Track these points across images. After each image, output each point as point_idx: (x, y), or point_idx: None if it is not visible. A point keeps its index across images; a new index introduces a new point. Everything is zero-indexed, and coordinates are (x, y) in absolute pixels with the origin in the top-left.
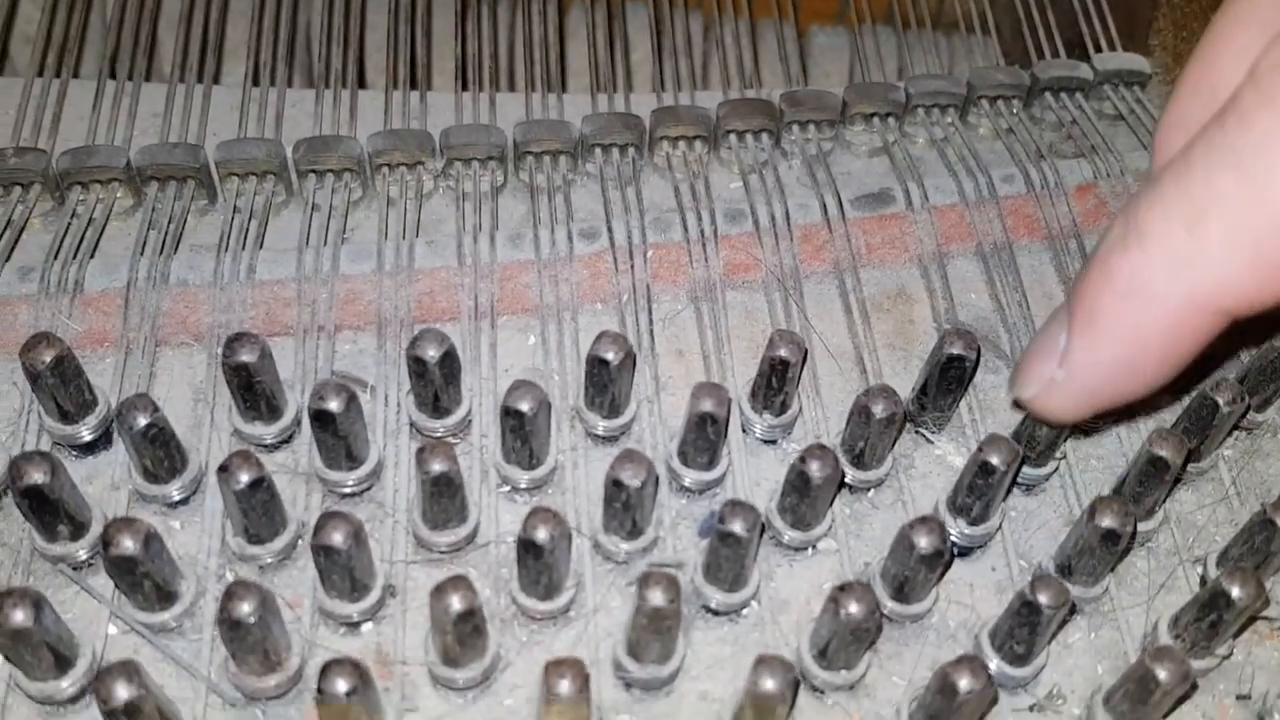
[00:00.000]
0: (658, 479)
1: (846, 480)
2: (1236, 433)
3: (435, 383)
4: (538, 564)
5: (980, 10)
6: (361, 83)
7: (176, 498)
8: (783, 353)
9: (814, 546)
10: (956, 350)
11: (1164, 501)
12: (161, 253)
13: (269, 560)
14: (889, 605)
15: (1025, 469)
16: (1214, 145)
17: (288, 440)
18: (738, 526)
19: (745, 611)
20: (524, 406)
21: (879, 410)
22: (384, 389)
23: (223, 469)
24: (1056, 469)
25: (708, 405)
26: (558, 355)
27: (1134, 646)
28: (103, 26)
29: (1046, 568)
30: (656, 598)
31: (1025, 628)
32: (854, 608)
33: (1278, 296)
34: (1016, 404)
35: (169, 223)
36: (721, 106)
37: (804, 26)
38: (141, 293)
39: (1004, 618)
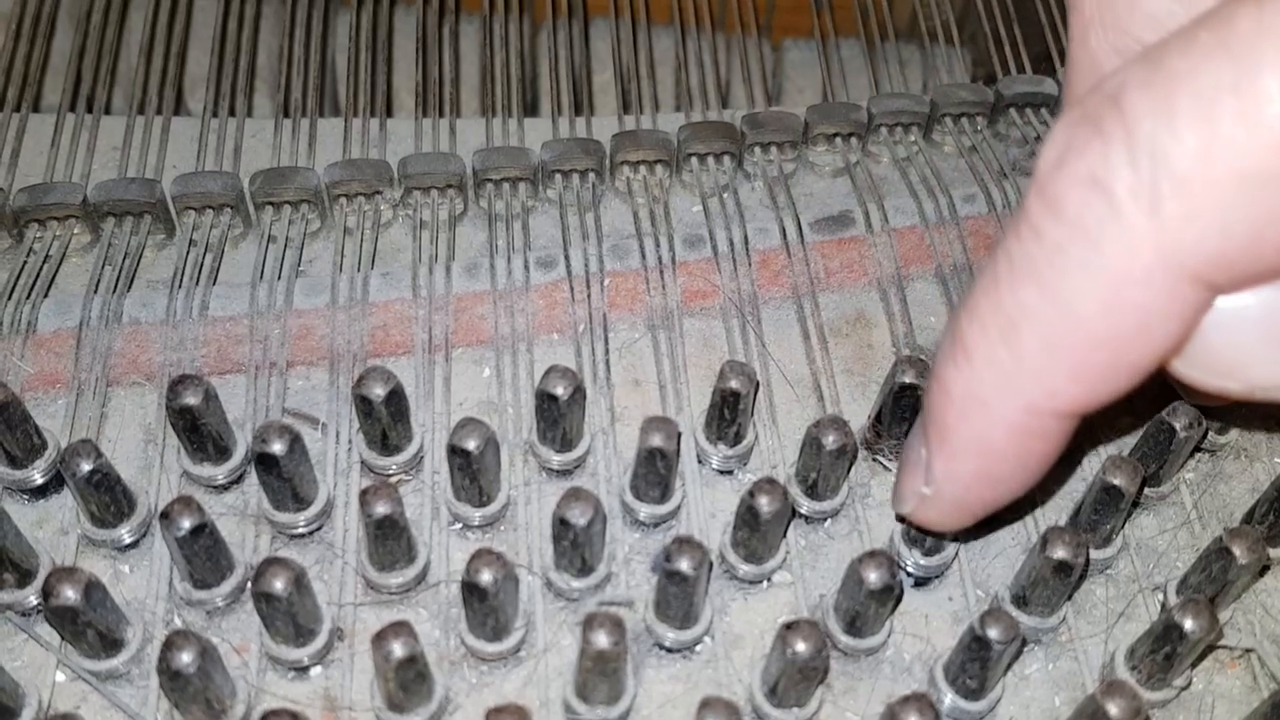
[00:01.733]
0: (605, 517)
1: (801, 511)
2: (1199, 455)
3: (383, 421)
4: (483, 606)
5: (945, 24)
6: (322, 110)
7: (126, 541)
8: (733, 384)
9: (769, 579)
10: (909, 379)
11: (1122, 528)
12: (115, 290)
13: (217, 604)
14: (842, 639)
15: None
16: (1014, 257)
17: (238, 480)
18: (685, 565)
19: (698, 648)
20: (470, 445)
21: (829, 442)
22: (335, 426)
23: (164, 515)
24: None
25: (656, 440)
26: (512, 388)
27: (1092, 677)
28: (63, 59)
29: (1003, 598)
30: (600, 640)
31: (976, 662)
32: (801, 645)
33: (1113, 394)
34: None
35: (125, 259)
36: (683, 130)
37: (777, 41)
38: (94, 332)
39: (956, 652)
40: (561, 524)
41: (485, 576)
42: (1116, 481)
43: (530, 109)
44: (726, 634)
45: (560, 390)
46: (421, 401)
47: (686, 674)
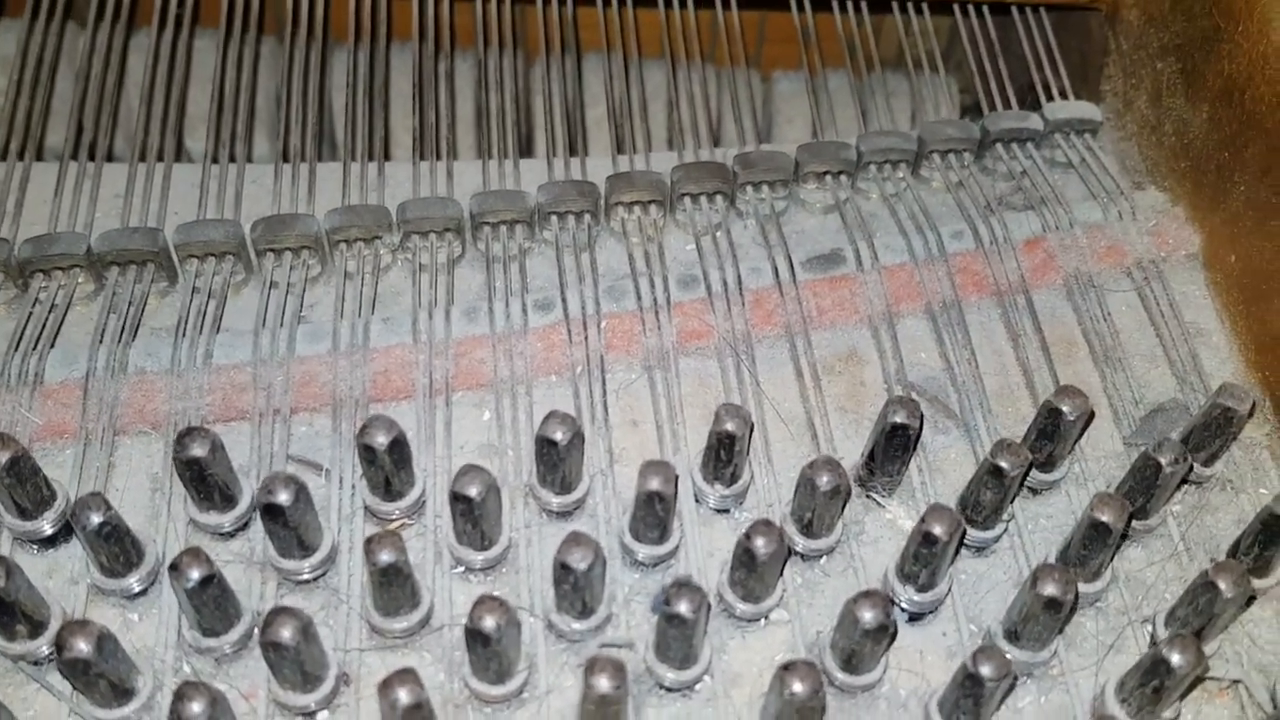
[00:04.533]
0: (604, 560)
1: (797, 549)
2: (1185, 487)
3: (386, 468)
4: (486, 651)
5: (930, 55)
6: (321, 152)
7: (135, 590)
8: (729, 427)
9: (766, 618)
10: (900, 419)
11: (1110, 562)
12: (120, 340)
13: (225, 651)
14: (839, 677)
15: (973, 532)
16: None
17: (244, 528)
18: (684, 607)
19: (698, 687)
20: (472, 492)
21: (823, 482)
22: (339, 472)
23: (173, 567)
24: (1005, 530)
25: (654, 484)
26: (512, 431)
27: (1083, 710)
28: (65, 106)
29: (995, 633)
30: (603, 684)
31: (970, 699)
32: (798, 686)
33: None
34: None
35: (129, 307)
36: (675, 170)
37: (766, 72)
38: (100, 382)
39: (950, 688)
40: (562, 568)
41: (488, 622)
42: (1104, 518)
43: (525, 145)
44: (725, 672)
45: (560, 435)
46: (423, 446)
47: (687, 713)
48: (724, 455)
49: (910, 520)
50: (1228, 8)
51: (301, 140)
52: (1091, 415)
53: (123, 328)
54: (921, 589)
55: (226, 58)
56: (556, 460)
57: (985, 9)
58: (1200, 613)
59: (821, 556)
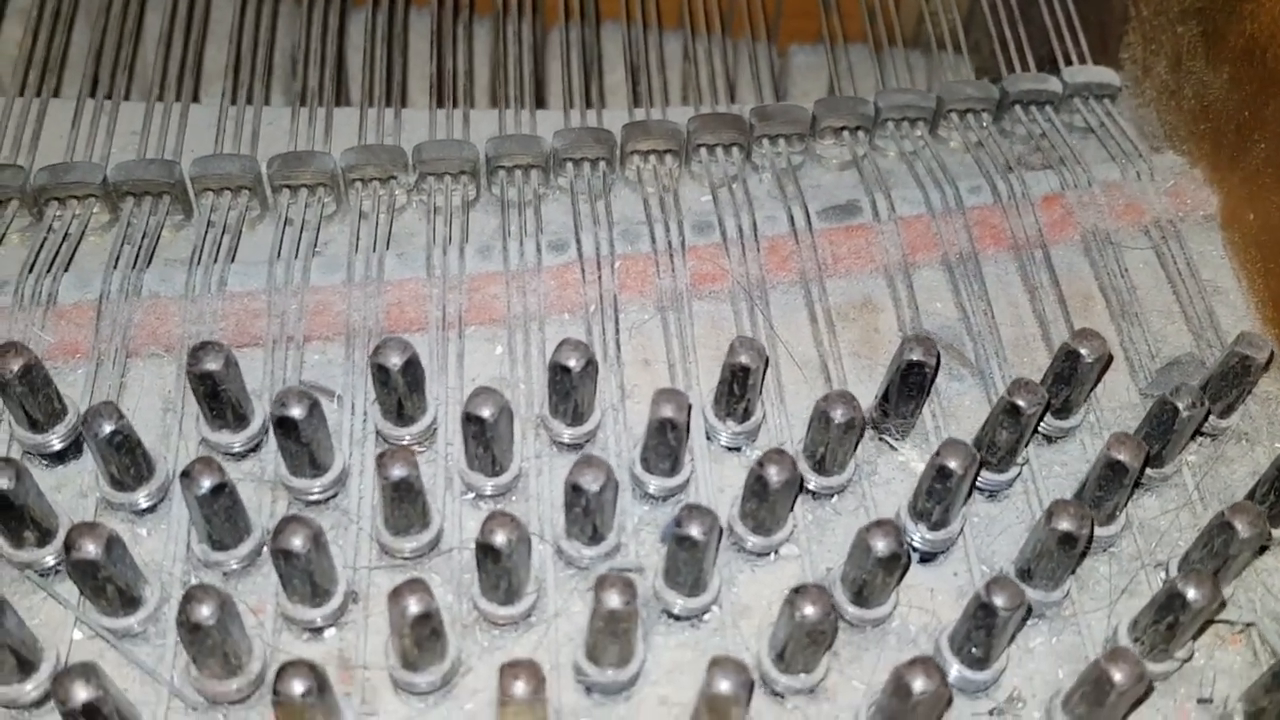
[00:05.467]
0: (617, 484)
1: (809, 486)
2: (1200, 438)
3: (399, 390)
4: (496, 568)
5: (952, 28)
6: (339, 100)
7: (143, 505)
8: (743, 359)
9: (776, 552)
10: (916, 357)
11: (1125, 506)
12: (135, 266)
13: (233, 566)
14: (849, 610)
15: (987, 474)
16: None
17: (255, 449)
18: (695, 530)
19: (706, 616)
20: (485, 413)
21: (838, 415)
22: (350, 398)
23: (185, 474)
24: (1019, 474)
25: (668, 411)
26: (524, 364)
27: (1095, 650)
28: (85, 46)
29: (1008, 572)
30: (613, 600)
31: (982, 630)
32: (809, 609)
33: None
34: None
35: (143, 237)
36: (692, 121)
37: (783, 45)
38: (114, 305)
39: (962, 621)
40: (574, 490)
41: (499, 538)
42: (1121, 457)
43: (540, 107)
44: (734, 604)
45: (573, 362)
46: (435, 376)
47: (695, 641)
48: (737, 389)
49: (922, 463)
50: None
51: (319, 85)
52: (1109, 359)
53: (137, 255)
54: (934, 526)
55: (246, 8)
56: (569, 389)
57: None
58: (1216, 554)
59: (833, 495)
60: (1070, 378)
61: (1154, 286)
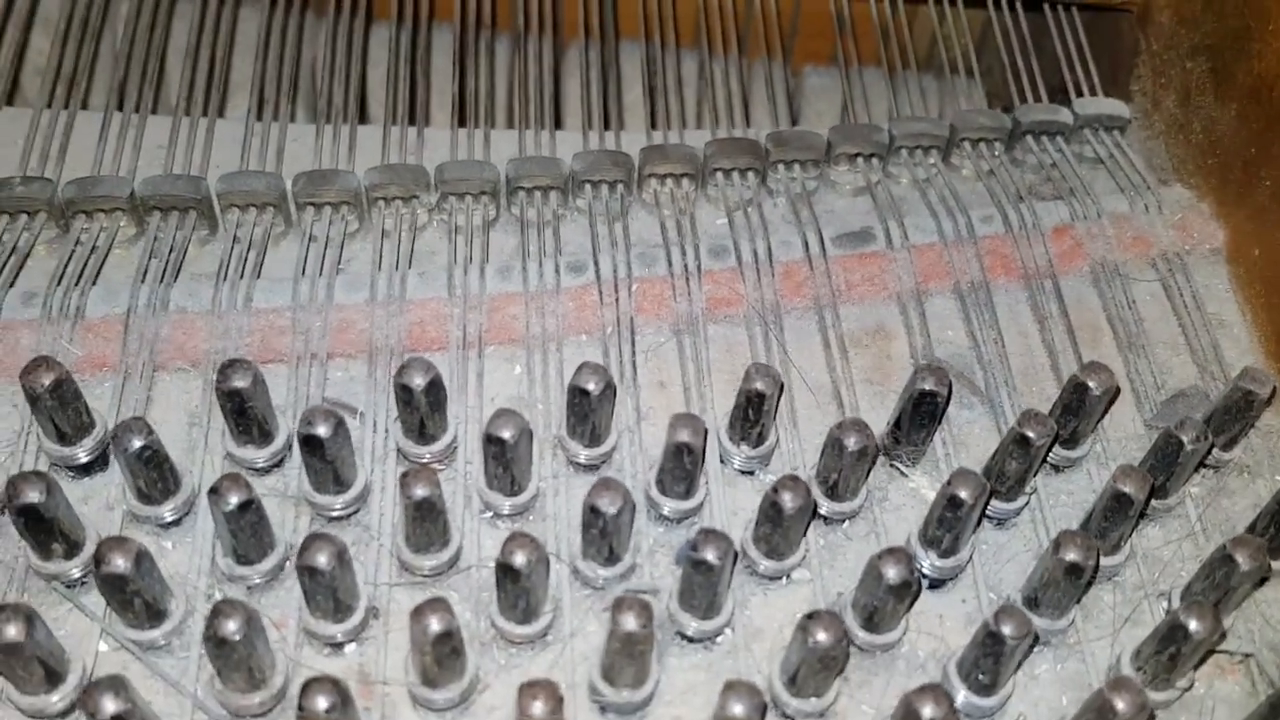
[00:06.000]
0: (634, 506)
1: (821, 511)
2: (1204, 470)
3: (421, 410)
4: (515, 588)
5: (966, 55)
6: (363, 118)
7: (169, 519)
8: (758, 385)
9: (788, 576)
10: (929, 386)
11: (1130, 537)
12: (162, 280)
13: (257, 581)
14: (859, 635)
15: (996, 503)
16: None
17: (279, 464)
18: (710, 554)
19: (719, 639)
20: (506, 434)
21: (851, 443)
22: (373, 415)
23: (213, 490)
24: (1027, 503)
25: (684, 435)
26: (542, 385)
27: (1099, 678)
28: (112, 59)
29: (1015, 600)
30: (629, 622)
31: (990, 658)
32: (822, 635)
33: None
34: None
35: (170, 251)
36: (709, 145)
37: (798, 67)
38: (141, 319)
39: (970, 648)
40: (592, 511)
41: (519, 558)
42: (1127, 489)
43: (559, 125)
44: (747, 627)
45: (592, 385)
46: (455, 395)
47: (708, 663)
48: (752, 415)
49: (933, 490)
50: (1259, 7)
51: (344, 103)
52: (1117, 392)
53: (164, 270)
54: (944, 554)
55: (271, 26)
56: (587, 411)
57: (1018, 4)
58: (1217, 586)
59: (845, 520)
60: (1078, 409)
61: (1160, 319)
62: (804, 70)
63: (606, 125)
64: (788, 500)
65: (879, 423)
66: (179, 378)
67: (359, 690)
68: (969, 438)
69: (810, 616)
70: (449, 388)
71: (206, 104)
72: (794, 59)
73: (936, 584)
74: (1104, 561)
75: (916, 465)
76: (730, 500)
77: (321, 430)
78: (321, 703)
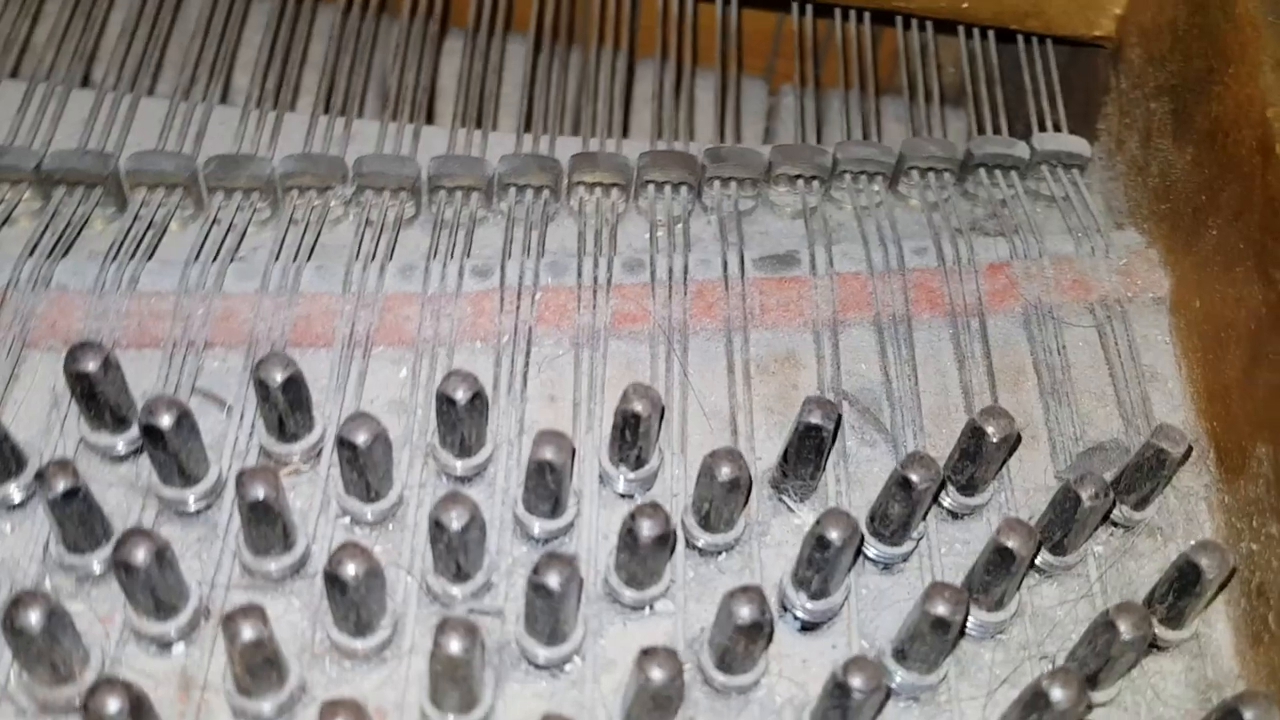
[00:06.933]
0: (483, 524)
1: (696, 543)
2: (1112, 529)
3: (279, 407)
4: (344, 599)
5: (953, 81)
6: (293, 105)
7: (16, 500)
8: (636, 407)
9: (651, 607)
10: (814, 420)
11: (1015, 592)
12: (50, 255)
13: (91, 571)
14: (714, 674)
15: (880, 547)
16: None
17: (137, 452)
18: (552, 580)
19: (567, 667)
20: (358, 439)
21: (723, 474)
22: (241, 409)
23: (38, 475)
24: (914, 549)
25: (547, 453)
26: (426, 390)
27: None
28: (46, 33)
29: (884, 651)
30: (452, 645)
31: (838, 710)
32: (655, 672)
33: None
34: None
35: (67, 227)
36: (642, 157)
37: (776, 86)
38: (21, 293)
39: (821, 698)
40: (436, 526)
41: (348, 569)
42: (1009, 544)
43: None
44: (599, 657)
45: (459, 394)
46: (332, 394)
47: (550, 693)
48: (629, 436)
49: None
50: (1223, 49)
51: (278, 86)
52: (1018, 439)
53: (55, 244)
54: (814, 596)
55: (215, 8)
56: (455, 420)
57: (990, 33)
58: (1098, 654)
59: (720, 553)
60: (976, 455)
61: (1090, 366)
62: (782, 89)
63: (544, 130)
64: (645, 528)
65: (775, 453)
66: (49, 356)
67: (176, 695)
68: (866, 476)
69: (646, 653)
70: (327, 386)
71: (136, 81)
72: (775, 78)
73: (809, 626)
74: (985, 618)
75: (805, 501)
76: (604, 523)
77: (164, 421)
78: (111, 705)
